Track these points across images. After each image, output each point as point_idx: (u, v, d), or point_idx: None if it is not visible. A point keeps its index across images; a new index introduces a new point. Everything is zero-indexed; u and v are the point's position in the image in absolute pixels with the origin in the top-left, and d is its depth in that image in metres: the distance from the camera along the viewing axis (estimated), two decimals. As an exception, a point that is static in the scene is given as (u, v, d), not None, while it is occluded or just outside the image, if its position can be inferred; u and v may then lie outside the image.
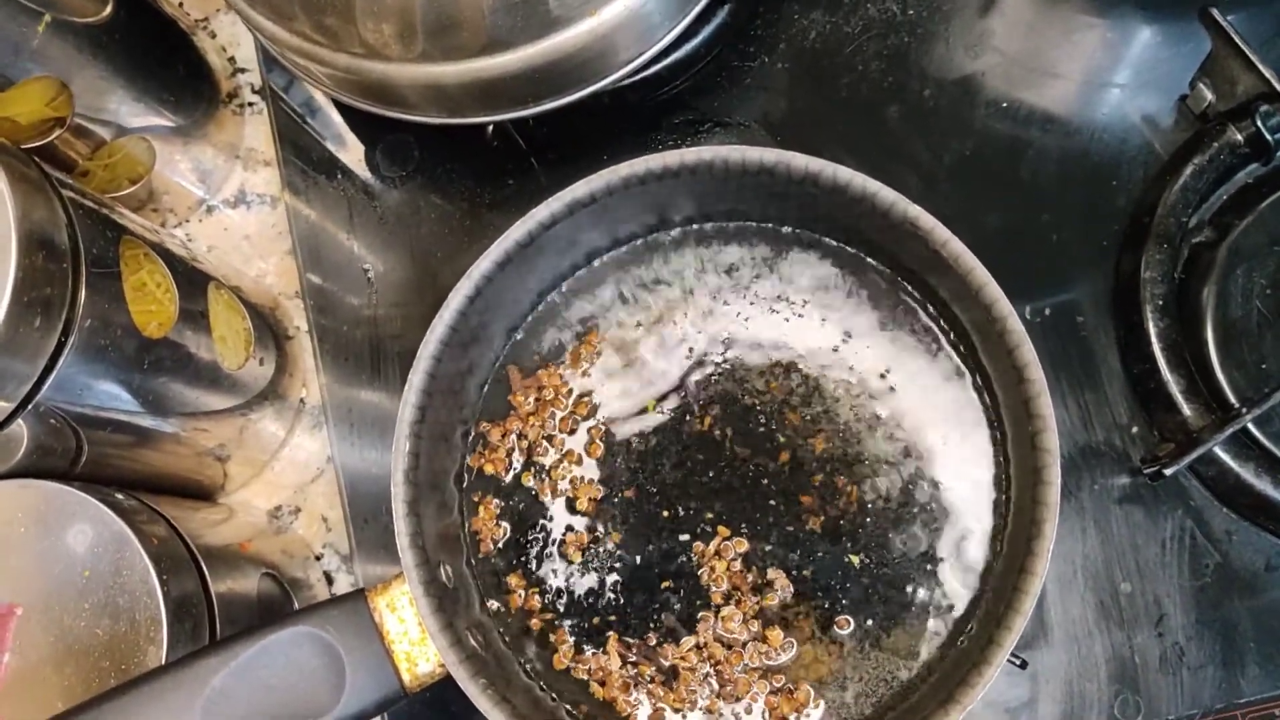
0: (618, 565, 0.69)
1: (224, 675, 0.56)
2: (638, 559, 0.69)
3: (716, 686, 0.65)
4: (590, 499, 0.69)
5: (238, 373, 0.77)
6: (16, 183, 0.59)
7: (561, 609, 0.68)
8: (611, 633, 0.67)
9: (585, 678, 0.67)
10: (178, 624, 0.63)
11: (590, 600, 0.68)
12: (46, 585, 0.63)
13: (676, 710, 0.65)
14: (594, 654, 0.67)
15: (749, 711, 0.65)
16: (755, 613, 0.66)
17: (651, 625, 0.67)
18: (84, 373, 0.63)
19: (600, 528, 0.69)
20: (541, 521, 0.70)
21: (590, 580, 0.68)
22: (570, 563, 0.69)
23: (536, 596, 0.68)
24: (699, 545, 0.68)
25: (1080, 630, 0.72)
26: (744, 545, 0.68)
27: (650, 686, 0.65)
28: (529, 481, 0.71)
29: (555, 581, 0.69)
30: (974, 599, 0.64)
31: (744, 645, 0.66)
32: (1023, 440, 0.61)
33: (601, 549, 0.69)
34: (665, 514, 0.69)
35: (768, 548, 0.68)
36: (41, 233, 0.59)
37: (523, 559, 0.69)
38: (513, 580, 0.68)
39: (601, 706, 0.66)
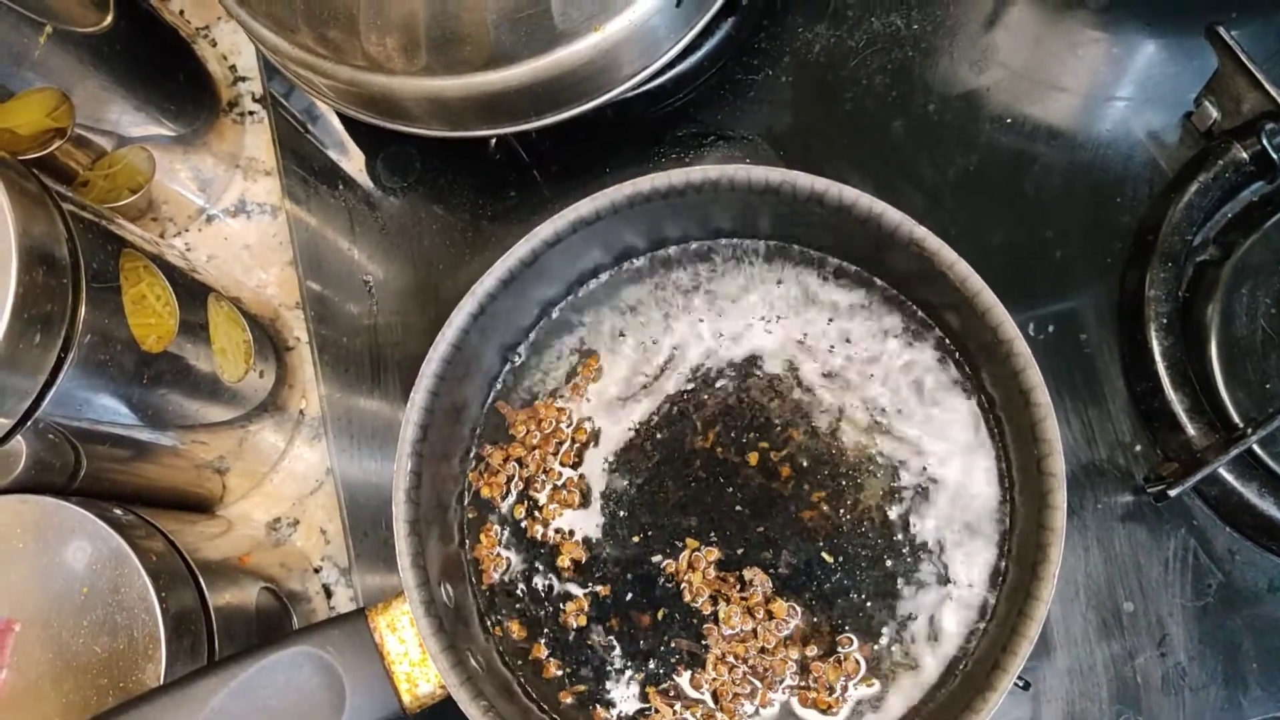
0: (617, 614, 0.68)
1: (223, 695, 0.56)
2: (629, 596, 0.68)
3: (756, 682, 0.65)
4: (572, 559, 0.68)
5: (237, 385, 0.77)
6: (17, 197, 0.58)
7: (594, 690, 0.67)
8: (649, 688, 0.66)
9: None
10: (176, 640, 0.63)
11: (611, 667, 0.67)
12: (45, 601, 0.63)
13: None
14: (649, 716, 0.65)
15: (796, 680, 0.65)
16: (749, 605, 0.66)
17: (674, 660, 0.66)
18: (83, 388, 0.63)
19: (592, 586, 0.68)
20: (536, 579, 0.69)
21: (600, 642, 0.67)
22: (577, 629, 0.68)
23: (556, 669, 0.67)
24: (670, 564, 0.68)
25: (1082, 649, 0.72)
26: (714, 554, 0.67)
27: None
28: (520, 515, 0.70)
29: (569, 655, 0.67)
30: (977, 623, 0.64)
31: (754, 633, 0.65)
32: (1028, 463, 0.60)
33: (599, 609, 0.68)
34: (636, 539, 0.69)
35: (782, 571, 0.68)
36: (42, 248, 0.59)
37: (532, 625, 0.68)
38: (515, 627, 0.68)
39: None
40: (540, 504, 0.70)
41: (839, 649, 0.65)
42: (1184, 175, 0.76)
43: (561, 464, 0.70)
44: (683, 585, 0.67)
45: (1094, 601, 0.73)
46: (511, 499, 0.70)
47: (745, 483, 0.69)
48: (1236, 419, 0.71)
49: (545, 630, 0.68)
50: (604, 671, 0.67)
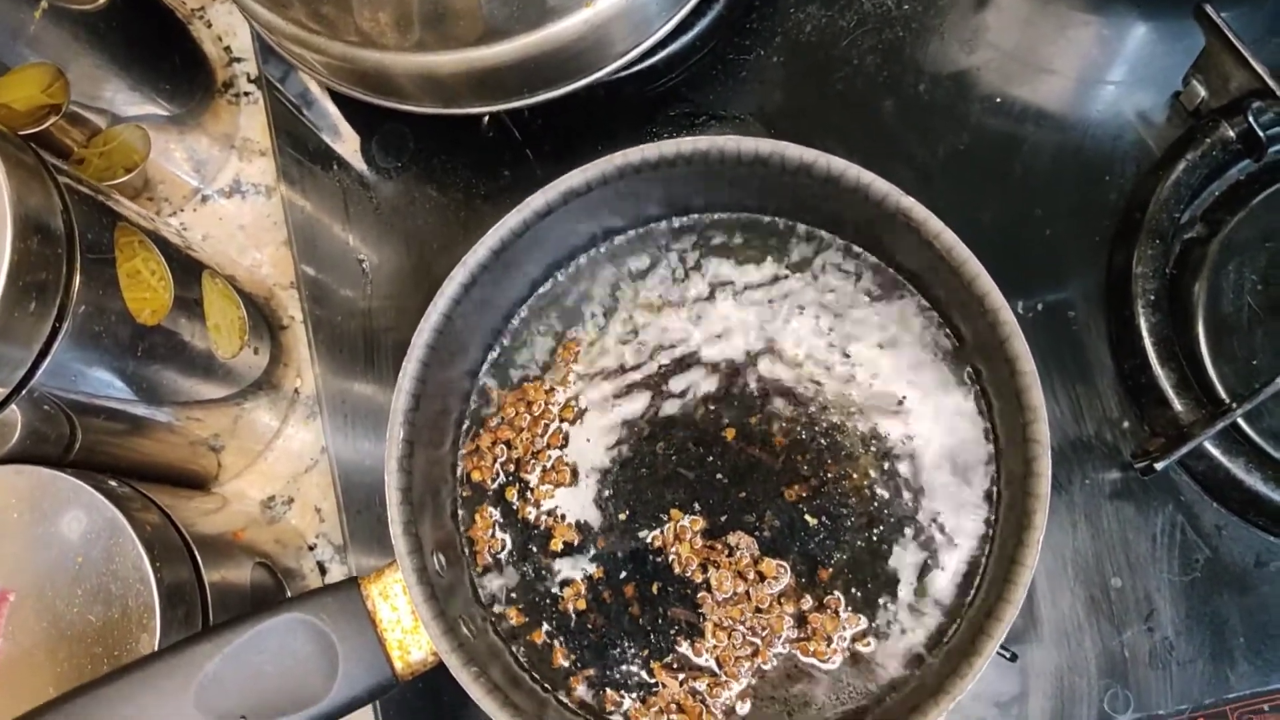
0: (613, 593, 0.68)
1: (217, 661, 0.56)
2: (622, 574, 0.68)
3: (756, 641, 0.66)
4: (565, 541, 0.69)
5: (232, 362, 0.77)
6: (12, 168, 0.59)
7: (601, 673, 0.67)
8: (653, 663, 0.66)
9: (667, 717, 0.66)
10: (170, 611, 0.63)
11: (614, 648, 0.67)
12: (39, 571, 0.63)
13: (739, 680, 0.65)
14: (657, 693, 0.66)
15: (794, 634, 0.66)
16: (741, 567, 0.67)
17: (673, 631, 0.67)
18: (78, 359, 0.63)
19: (586, 568, 0.69)
20: (531, 563, 0.69)
21: (601, 624, 0.68)
22: (577, 614, 0.68)
23: (563, 657, 0.67)
24: (657, 537, 0.68)
25: (1070, 625, 0.72)
26: (699, 523, 0.68)
27: (710, 689, 0.65)
28: (511, 497, 0.70)
29: (573, 640, 0.68)
30: (963, 591, 0.65)
31: (747, 595, 0.66)
32: (1014, 432, 0.61)
33: (599, 589, 0.68)
34: (623, 516, 0.69)
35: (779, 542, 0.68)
36: (37, 218, 0.59)
37: (530, 611, 0.69)
38: (513, 613, 0.68)
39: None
40: (531, 485, 0.70)
41: (829, 608, 0.66)
42: (1172, 154, 0.77)
43: (550, 445, 0.71)
44: (671, 557, 0.68)
45: (1082, 577, 0.73)
46: (502, 480, 0.71)
47: (725, 452, 0.69)
48: (1223, 394, 0.72)
49: (544, 616, 0.68)
50: (608, 653, 0.67)
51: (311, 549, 0.84)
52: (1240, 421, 0.71)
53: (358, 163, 0.86)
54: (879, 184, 0.62)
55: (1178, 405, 0.71)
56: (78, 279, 0.61)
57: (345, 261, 0.84)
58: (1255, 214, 0.75)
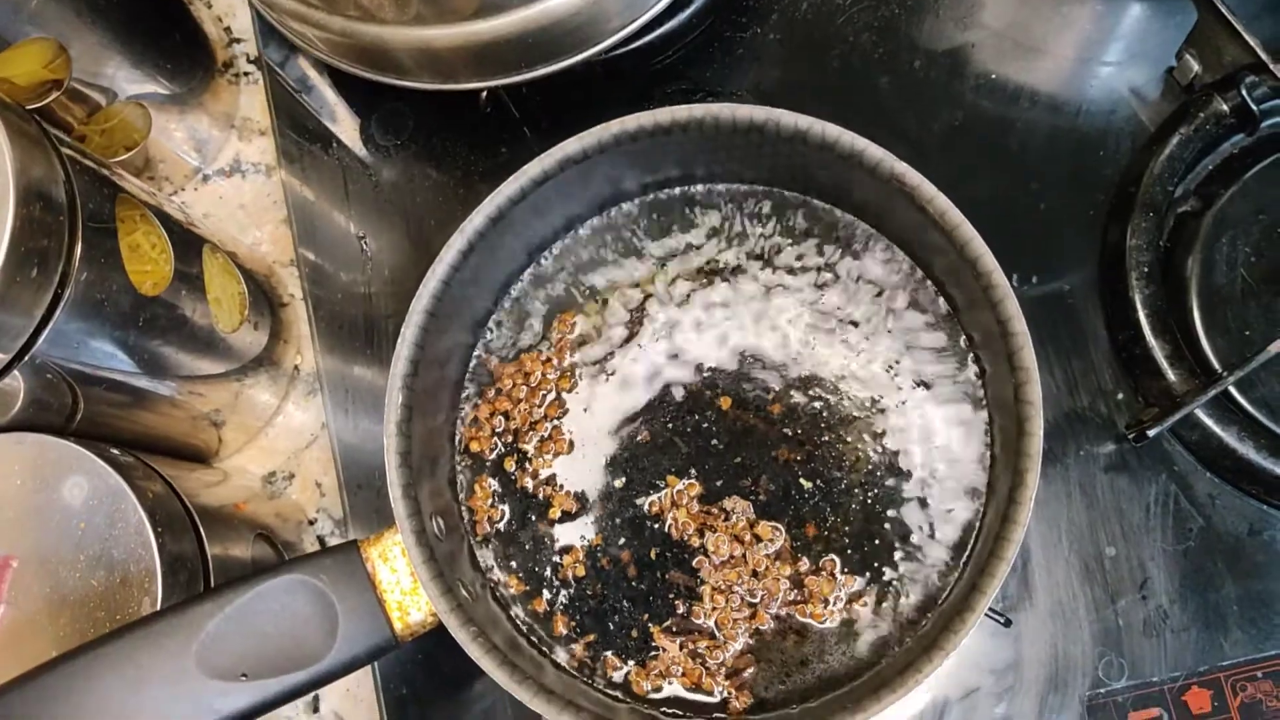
0: (611, 560, 0.69)
1: (218, 621, 0.57)
2: (620, 541, 0.69)
3: (754, 603, 0.66)
4: (564, 510, 0.69)
5: (232, 336, 0.77)
6: (15, 137, 0.59)
7: (602, 639, 0.67)
8: (652, 628, 0.67)
9: (664, 683, 0.66)
10: (172, 576, 0.64)
11: (614, 613, 0.68)
12: (42, 537, 0.64)
13: (737, 642, 0.66)
14: (657, 657, 0.66)
15: (792, 596, 0.66)
16: (737, 530, 0.67)
17: (672, 596, 0.67)
18: (80, 328, 0.64)
19: (585, 536, 0.69)
20: (530, 531, 0.70)
21: (600, 591, 0.68)
22: (576, 581, 0.68)
23: (563, 625, 0.68)
24: (654, 503, 0.69)
25: (1065, 593, 0.73)
26: (695, 488, 0.69)
27: (709, 651, 0.66)
28: (510, 467, 0.71)
29: (573, 607, 0.68)
30: (957, 552, 0.65)
31: (744, 558, 0.67)
32: (1006, 394, 0.61)
33: (597, 556, 0.69)
34: (620, 483, 0.70)
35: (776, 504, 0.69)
36: (39, 186, 0.60)
37: (530, 579, 0.69)
38: (514, 582, 0.69)
39: (695, 691, 0.66)
40: (529, 455, 0.71)
41: (824, 570, 0.66)
42: (1165, 128, 0.77)
43: (547, 415, 0.71)
44: (669, 523, 0.68)
45: (1076, 546, 0.74)
46: (500, 450, 0.71)
47: (720, 419, 0.70)
48: (1216, 365, 0.73)
49: (544, 584, 0.69)
50: (607, 619, 0.68)
51: (312, 523, 0.84)
52: (1232, 390, 0.71)
53: (356, 146, 0.87)
54: (873, 150, 0.63)
55: (1171, 376, 0.72)
56: (79, 247, 0.62)
57: (345, 240, 0.85)
58: (1248, 187, 0.75)
